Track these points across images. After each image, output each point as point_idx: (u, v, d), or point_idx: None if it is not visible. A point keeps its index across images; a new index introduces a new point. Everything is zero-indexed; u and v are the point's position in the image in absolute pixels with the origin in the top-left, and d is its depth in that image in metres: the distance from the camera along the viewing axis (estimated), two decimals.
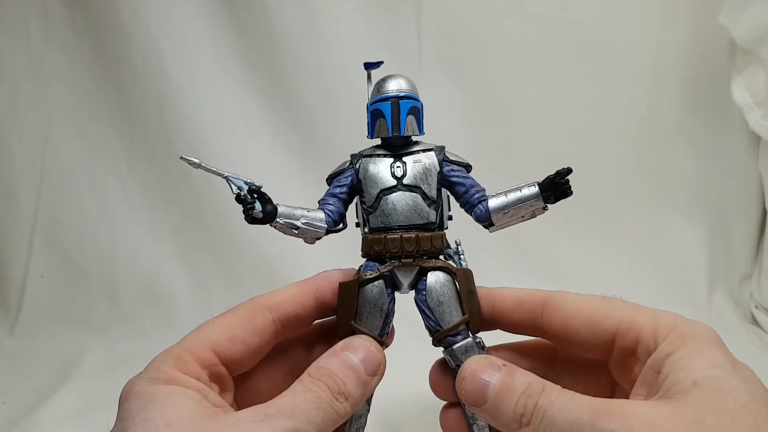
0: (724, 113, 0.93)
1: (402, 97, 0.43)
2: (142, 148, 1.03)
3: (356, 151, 0.46)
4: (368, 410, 0.44)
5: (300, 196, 1.04)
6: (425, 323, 0.43)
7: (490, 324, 0.44)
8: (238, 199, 0.41)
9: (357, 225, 0.45)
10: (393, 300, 0.43)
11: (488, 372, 0.37)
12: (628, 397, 0.37)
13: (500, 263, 0.89)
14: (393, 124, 0.42)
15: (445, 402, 0.45)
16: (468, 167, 0.45)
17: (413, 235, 0.42)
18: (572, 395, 0.34)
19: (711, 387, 0.32)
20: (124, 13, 0.99)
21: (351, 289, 0.42)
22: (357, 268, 0.44)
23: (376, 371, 0.40)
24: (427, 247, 0.42)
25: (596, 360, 0.41)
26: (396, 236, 0.42)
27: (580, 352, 0.40)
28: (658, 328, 0.36)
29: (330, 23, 0.98)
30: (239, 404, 0.42)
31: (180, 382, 0.36)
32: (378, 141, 0.45)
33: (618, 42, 0.95)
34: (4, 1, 1.03)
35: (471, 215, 0.44)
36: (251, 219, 0.41)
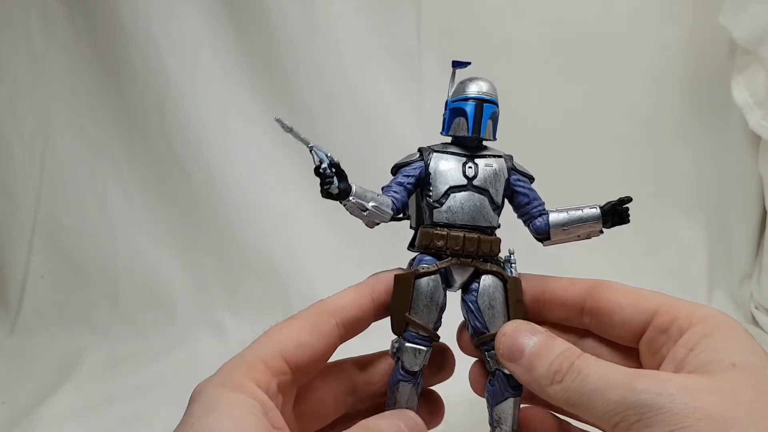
0: (724, 113, 0.93)
1: (486, 101, 0.43)
2: (142, 148, 1.03)
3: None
4: (422, 368, 0.44)
5: (300, 196, 1.05)
6: (470, 323, 0.43)
7: (536, 312, 0.44)
8: (318, 172, 0.40)
9: (407, 217, 0.45)
10: (446, 295, 0.43)
11: (529, 333, 0.38)
12: None
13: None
14: (474, 125, 0.43)
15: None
16: (532, 179, 0.45)
17: (476, 236, 0.42)
18: (609, 363, 0.35)
19: (750, 370, 0.33)
20: (124, 13, 0.99)
21: (407, 281, 0.42)
22: (409, 262, 0.44)
23: None
24: (486, 250, 0.42)
25: (624, 348, 0.42)
26: (459, 234, 0.42)
27: (616, 331, 0.41)
28: (694, 312, 0.38)
29: (330, 23, 0.98)
30: (299, 417, 0.42)
31: (249, 392, 0.36)
32: (448, 139, 0.45)
33: (618, 42, 0.95)
34: (4, 1, 1.03)
35: (529, 227, 0.44)
36: (327, 193, 0.40)
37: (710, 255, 0.97)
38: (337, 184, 0.40)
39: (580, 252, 0.95)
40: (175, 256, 1.03)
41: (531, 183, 0.45)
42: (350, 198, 0.40)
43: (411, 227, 0.46)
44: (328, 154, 0.40)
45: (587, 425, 0.43)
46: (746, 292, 0.97)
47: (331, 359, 0.43)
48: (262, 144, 1.01)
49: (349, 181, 0.41)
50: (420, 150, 0.45)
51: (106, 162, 1.04)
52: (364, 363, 0.46)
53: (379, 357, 0.46)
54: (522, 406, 0.45)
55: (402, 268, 0.44)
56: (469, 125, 0.43)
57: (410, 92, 0.98)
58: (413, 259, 0.44)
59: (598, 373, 0.34)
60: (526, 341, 0.38)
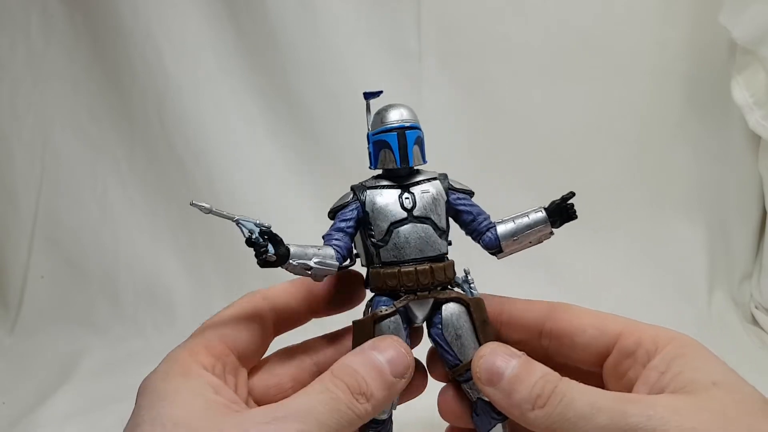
0: (724, 113, 0.93)
1: (407, 128, 0.41)
2: (142, 148, 1.03)
3: (357, 177, 0.45)
4: (391, 415, 0.42)
5: (300, 195, 1.05)
6: (442, 357, 0.42)
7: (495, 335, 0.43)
8: (249, 242, 0.39)
9: (356, 256, 0.44)
10: (409, 334, 0.42)
11: (507, 357, 0.37)
12: None
13: (500, 263, 0.89)
14: (401, 156, 0.41)
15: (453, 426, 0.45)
16: (471, 194, 0.44)
17: (427, 267, 0.41)
18: (591, 387, 0.35)
19: (730, 387, 0.33)
20: (124, 13, 0.99)
21: (367, 325, 0.41)
22: (366, 304, 0.43)
23: (404, 373, 0.38)
24: (441, 278, 0.41)
25: (584, 372, 0.41)
26: (410, 269, 0.40)
27: (578, 354, 0.41)
28: (658, 336, 0.37)
29: (330, 23, 0.98)
30: (260, 401, 0.41)
31: (195, 374, 0.36)
32: (378, 171, 0.44)
33: (618, 42, 0.95)
34: (4, 1, 1.03)
35: (479, 242, 0.43)
36: (263, 262, 0.39)
37: (710, 255, 0.97)
38: (272, 252, 0.38)
39: (581, 252, 0.96)
40: (175, 256, 1.03)
41: (471, 197, 0.44)
42: (291, 261, 0.39)
43: (363, 265, 0.44)
44: (257, 222, 0.39)
45: None
46: (746, 292, 0.97)
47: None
48: (262, 144, 1.01)
49: (286, 243, 0.40)
50: (353, 189, 0.43)
51: (106, 162, 1.04)
52: (335, 336, 0.45)
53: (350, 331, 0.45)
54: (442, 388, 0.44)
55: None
56: (396, 157, 0.41)
57: (410, 92, 0.98)
58: (370, 301, 0.43)
59: (584, 397, 0.33)
60: (505, 364, 0.36)
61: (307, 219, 1.01)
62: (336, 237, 0.42)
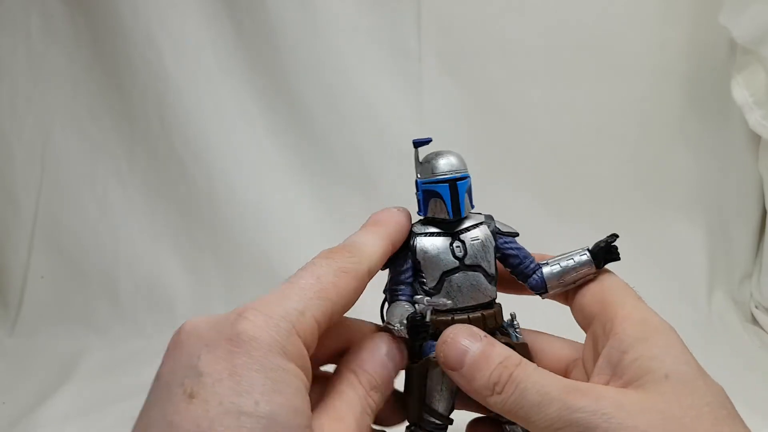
0: (724, 113, 0.93)
1: (459, 179, 0.41)
2: (142, 148, 1.03)
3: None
4: None
5: (300, 195, 1.05)
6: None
7: None
8: (420, 324, 0.38)
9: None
10: None
11: (469, 339, 0.37)
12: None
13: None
14: (453, 208, 0.41)
15: None
16: (516, 234, 0.44)
17: (479, 315, 0.41)
18: (546, 373, 0.35)
19: (680, 382, 0.33)
20: (124, 13, 0.99)
21: (419, 372, 0.41)
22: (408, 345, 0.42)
23: (400, 369, 0.40)
24: (492, 324, 0.41)
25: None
26: (464, 317, 0.40)
27: (575, 314, 0.42)
28: (632, 314, 0.38)
29: (330, 23, 0.98)
30: None
31: (302, 364, 0.31)
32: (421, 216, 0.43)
33: (618, 41, 0.95)
34: (4, 1, 1.03)
35: (525, 283, 0.43)
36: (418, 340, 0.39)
37: (710, 255, 0.97)
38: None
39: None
40: (175, 256, 1.03)
41: (516, 238, 0.44)
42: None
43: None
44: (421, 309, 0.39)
45: None
46: (746, 292, 0.97)
47: None
48: (262, 144, 1.02)
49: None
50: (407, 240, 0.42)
51: (106, 162, 1.04)
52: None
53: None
54: (475, 416, 0.44)
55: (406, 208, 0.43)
56: (449, 209, 0.41)
57: (410, 92, 0.98)
58: (420, 345, 0.42)
59: (535, 386, 0.34)
60: (468, 345, 0.37)
61: (307, 219, 1.01)
62: (404, 293, 0.42)
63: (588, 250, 0.43)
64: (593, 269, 0.42)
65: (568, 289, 0.43)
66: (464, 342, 0.37)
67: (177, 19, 0.99)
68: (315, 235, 1.00)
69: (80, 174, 1.05)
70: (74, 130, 1.05)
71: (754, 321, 0.93)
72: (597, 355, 0.38)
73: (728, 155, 0.96)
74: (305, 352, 0.31)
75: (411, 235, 0.42)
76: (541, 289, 0.43)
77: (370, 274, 0.37)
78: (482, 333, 0.38)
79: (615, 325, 0.37)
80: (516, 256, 0.43)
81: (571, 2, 0.95)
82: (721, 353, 0.80)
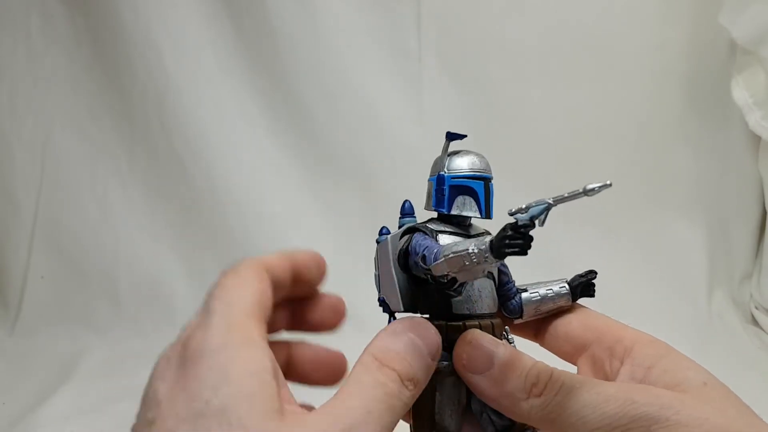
0: (724, 113, 0.93)
1: (490, 179, 0.39)
2: (142, 148, 1.03)
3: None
4: None
5: (299, 195, 1.04)
6: (489, 418, 0.38)
7: None
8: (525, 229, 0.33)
9: (381, 302, 0.40)
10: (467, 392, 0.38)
11: (494, 343, 0.35)
12: None
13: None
14: (486, 207, 0.39)
15: None
16: None
17: (489, 323, 0.38)
18: (586, 376, 0.34)
19: (721, 389, 0.33)
20: (124, 13, 0.99)
21: (428, 385, 0.36)
22: None
23: (437, 354, 0.35)
24: (498, 335, 0.39)
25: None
26: (474, 323, 0.38)
27: (558, 343, 0.41)
28: (638, 336, 0.37)
29: (330, 23, 0.98)
30: None
31: (259, 347, 0.29)
32: (434, 214, 0.40)
33: (618, 42, 0.95)
34: (4, 1, 1.03)
35: (504, 306, 0.42)
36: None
37: (710, 255, 0.97)
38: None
39: (581, 253, 0.96)
40: (175, 256, 1.03)
41: None
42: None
43: (386, 312, 0.40)
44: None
45: None
46: (746, 293, 0.97)
47: None
48: (262, 144, 1.02)
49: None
50: (415, 229, 0.39)
51: (106, 162, 1.04)
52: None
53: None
54: None
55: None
56: (482, 208, 0.39)
57: (410, 92, 0.98)
58: None
59: (586, 385, 0.32)
60: (493, 350, 0.34)
61: (306, 218, 1.01)
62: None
63: (567, 282, 0.41)
64: (569, 302, 0.41)
65: (538, 317, 0.42)
66: (489, 344, 0.35)
67: (177, 19, 0.99)
68: (315, 233, 1.00)
69: (80, 174, 1.05)
70: (74, 130, 1.05)
71: (754, 321, 0.93)
72: (605, 377, 0.37)
73: (728, 155, 0.96)
74: (256, 332, 0.30)
75: (430, 231, 0.38)
76: (517, 314, 0.41)
77: (268, 269, 0.35)
78: (501, 341, 0.36)
79: (627, 345, 0.36)
80: (506, 274, 0.42)
81: (571, 2, 0.95)
82: (721, 353, 0.80)
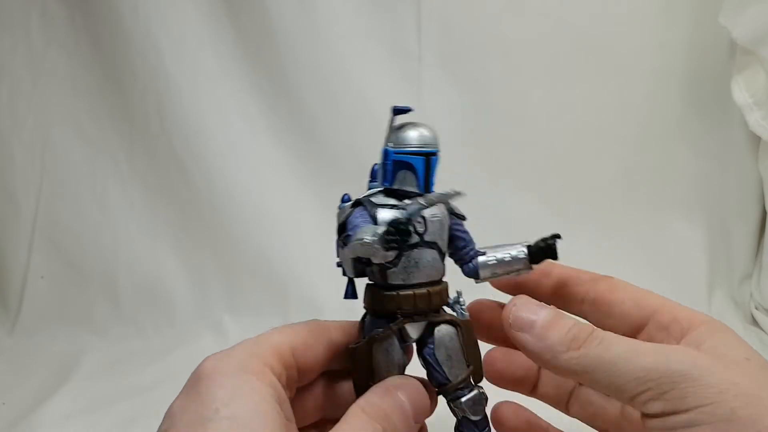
0: (724, 113, 0.93)
1: (432, 153, 0.41)
2: (142, 148, 1.03)
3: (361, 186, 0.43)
4: None
5: (300, 196, 1.05)
6: (432, 375, 0.41)
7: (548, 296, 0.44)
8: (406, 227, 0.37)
9: (339, 265, 0.43)
10: (405, 351, 0.41)
11: (538, 307, 0.38)
12: None
13: None
14: (425, 182, 0.40)
15: None
16: (464, 218, 0.43)
17: (425, 292, 0.40)
18: (626, 337, 0.36)
19: (759, 365, 0.35)
20: (124, 12, 0.99)
21: (364, 351, 0.40)
22: (359, 325, 0.43)
23: (423, 419, 0.39)
24: (437, 302, 0.41)
25: None
26: (409, 293, 0.40)
27: (613, 322, 0.42)
28: (694, 315, 0.39)
29: (329, 23, 0.98)
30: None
31: (267, 380, 0.34)
32: (379, 187, 0.42)
33: (618, 42, 0.95)
34: (4, 1, 1.03)
35: (462, 268, 0.43)
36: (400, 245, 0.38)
37: (710, 255, 0.97)
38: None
39: (580, 252, 0.95)
40: (175, 256, 1.03)
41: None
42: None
43: (344, 275, 0.43)
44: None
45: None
46: (746, 293, 0.96)
47: None
48: (262, 144, 1.01)
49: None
50: (360, 202, 0.41)
51: (106, 162, 1.04)
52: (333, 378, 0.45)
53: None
54: (497, 402, 0.45)
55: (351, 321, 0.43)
56: (420, 183, 0.40)
57: (410, 92, 0.98)
58: (362, 321, 0.42)
59: (622, 340, 0.34)
60: (537, 312, 0.38)
61: (306, 218, 1.01)
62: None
63: (527, 246, 0.42)
64: (527, 266, 0.42)
65: (497, 279, 0.43)
66: (534, 306, 0.38)
67: (177, 19, 0.99)
68: (315, 234, 1.00)
69: (80, 174, 1.05)
70: (74, 130, 1.05)
71: (754, 321, 0.93)
72: None
73: (728, 155, 0.96)
74: (273, 369, 0.35)
75: (371, 205, 0.40)
76: (473, 276, 0.43)
77: (329, 332, 0.41)
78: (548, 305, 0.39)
79: (684, 325, 0.38)
80: (462, 239, 0.43)
81: (571, 2, 0.95)
82: None
